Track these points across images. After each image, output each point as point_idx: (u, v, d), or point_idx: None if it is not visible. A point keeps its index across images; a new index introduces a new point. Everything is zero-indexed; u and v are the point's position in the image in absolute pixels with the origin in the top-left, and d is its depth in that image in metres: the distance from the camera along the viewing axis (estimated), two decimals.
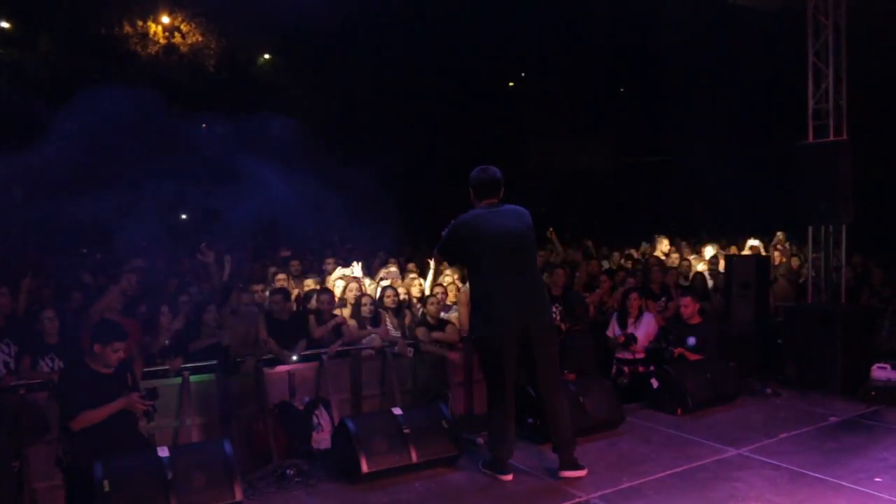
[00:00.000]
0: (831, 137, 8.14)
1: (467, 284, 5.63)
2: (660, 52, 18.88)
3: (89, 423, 4.84)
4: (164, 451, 4.56)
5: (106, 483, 4.20)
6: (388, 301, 8.04)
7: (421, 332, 7.73)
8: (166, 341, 6.80)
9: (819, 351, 7.49)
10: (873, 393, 6.89)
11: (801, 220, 8.33)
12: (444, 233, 5.24)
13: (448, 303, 8.35)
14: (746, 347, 8.47)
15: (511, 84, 22.48)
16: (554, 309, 8.38)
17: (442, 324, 7.89)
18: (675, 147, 20.34)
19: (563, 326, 7.77)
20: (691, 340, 7.41)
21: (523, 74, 22.27)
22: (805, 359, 7.60)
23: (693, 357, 7.32)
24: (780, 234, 12.17)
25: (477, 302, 5.12)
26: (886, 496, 4.66)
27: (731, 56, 16.77)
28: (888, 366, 7.01)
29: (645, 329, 7.84)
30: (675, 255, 11.22)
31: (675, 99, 19.48)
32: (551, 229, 9.37)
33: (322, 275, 9.78)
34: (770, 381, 7.72)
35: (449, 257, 5.61)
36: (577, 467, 5.09)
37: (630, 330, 7.80)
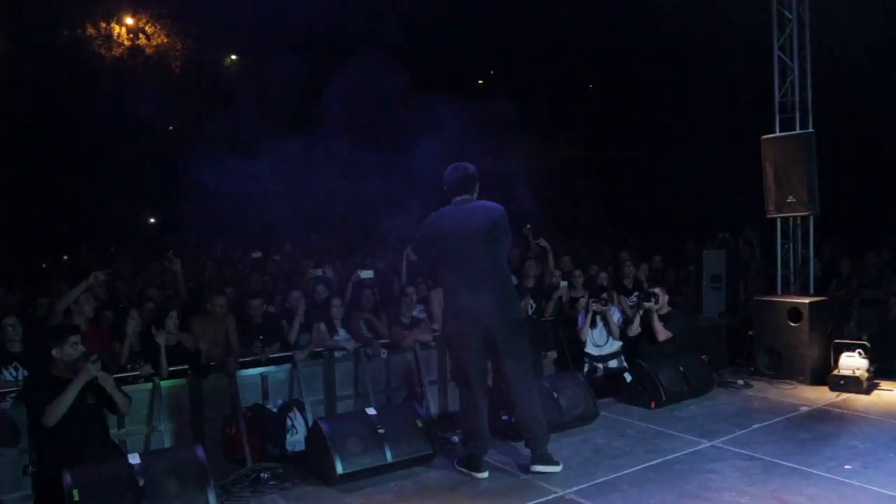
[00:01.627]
0: (797, 130, 8.23)
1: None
2: (628, 49, 19.01)
3: (59, 411, 4.76)
4: (134, 458, 4.48)
5: (76, 492, 4.12)
6: (363, 300, 8.00)
7: (395, 331, 7.70)
8: (135, 346, 6.70)
9: (789, 342, 7.58)
10: (842, 382, 6.98)
11: (769, 212, 8.41)
12: (417, 232, 5.28)
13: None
14: (718, 340, 8.57)
15: (480, 82, 22.51)
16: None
17: (416, 322, 7.87)
18: (644, 142, 20.49)
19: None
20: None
21: (492, 72, 22.31)
22: (776, 350, 7.69)
23: (664, 335, 7.39)
24: (748, 228, 12.30)
25: (445, 300, 5.18)
26: (857, 483, 4.72)
27: (699, 50, 16.89)
28: (856, 354, 7.11)
29: (616, 322, 7.90)
30: None
31: (644, 94, 19.63)
32: (528, 226, 9.38)
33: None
34: (742, 372, 7.82)
35: (421, 255, 5.58)
36: (551, 462, 5.09)
37: (599, 328, 7.84)
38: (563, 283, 8.88)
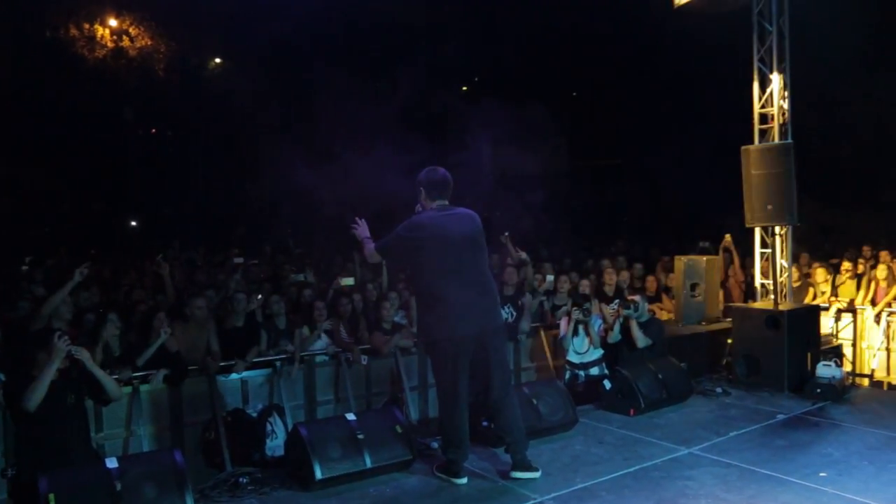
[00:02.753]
0: (776, 140, 8.33)
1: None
2: (611, 57, 19.14)
3: (39, 393, 4.74)
4: (112, 463, 4.46)
5: (52, 497, 4.09)
6: (340, 308, 8.01)
7: (375, 337, 7.71)
8: (115, 351, 6.68)
9: (767, 350, 7.63)
10: (818, 390, 7.05)
11: (748, 222, 8.50)
12: (394, 234, 5.12)
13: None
14: (697, 348, 8.63)
15: (465, 88, 22.57)
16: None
17: (395, 328, 7.88)
18: (626, 150, 20.63)
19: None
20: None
21: (476, 79, 22.36)
22: (753, 358, 7.75)
23: (643, 342, 7.48)
24: (727, 237, 12.40)
25: (432, 305, 5.03)
26: (831, 490, 4.77)
27: (681, 60, 17.05)
28: (832, 363, 7.19)
29: (596, 333, 7.95)
30: None
31: (625, 102, 19.76)
32: (507, 234, 9.40)
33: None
34: (720, 380, 7.88)
35: (394, 257, 5.45)
36: (530, 468, 5.12)
37: (580, 336, 7.88)
38: (550, 278, 8.94)
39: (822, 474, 5.06)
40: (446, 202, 5.19)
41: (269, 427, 6.61)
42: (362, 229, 5.44)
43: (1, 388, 5.44)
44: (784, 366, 7.48)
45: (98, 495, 4.25)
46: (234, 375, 6.95)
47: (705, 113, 16.80)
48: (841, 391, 7.06)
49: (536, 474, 5.10)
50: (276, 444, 6.53)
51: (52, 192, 19.78)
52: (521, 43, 19.14)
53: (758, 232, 8.71)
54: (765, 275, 8.81)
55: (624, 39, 17.83)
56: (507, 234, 9.41)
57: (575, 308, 7.84)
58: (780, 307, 7.87)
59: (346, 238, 5.79)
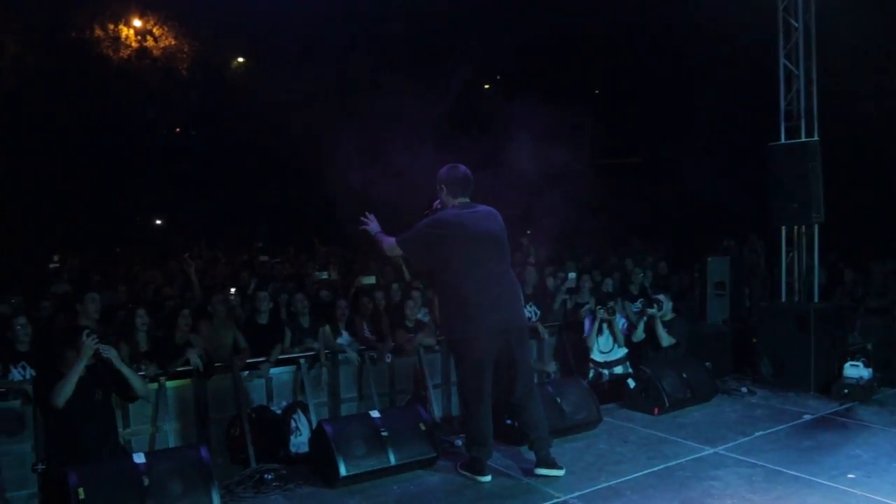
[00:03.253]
0: (803, 138, 8.23)
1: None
2: (633, 54, 19.01)
3: (67, 389, 4.79)
4: (139, 458, 4.51)
5: (81, 490, 4.14)
6: (364, 307, 8.04)
7: (399, 335, 7.73)
8: (143, 347, 6.74)
9: (793, 350, 7.57)
10: (846, 391, 6.97)
11: (774, 220, 8.41)
12: (418, 229, 5.11)
13: None
14: (721, 347, 8.57)
15: (487, 87, 22.54)
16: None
17: (419, 326, 7.89)
18: (648, 148, 20.48)
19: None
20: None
21: (498, 77, 22.32)
22: (779, 358, 7.68)
23: (668, 342, 7.43)
24: (753, 235, 12.30)
25: (456, 303, 5.00)
26: (860, 492, 4.71)
27: (704, 57, 16.90)
28: (860, 363, 7.10)
29: (621, 329, 7.92)
30: None
31: (649, 100, 19.62)
32: (528, 232, 9.41)
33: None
34: (745, 380, 7.82)
35: (416, 252, 5.29)
36: (555, 466, 5.11)
37: (605, 335, 7.86)
38: (572, 275, 8.93)
39: (850, 476, 5.00)
40: (468, 199, 5.18)
41: (293, 424, 6.64)
42: (374, 224, 5.39)
43: (31, 384, 5.51)
44: (811, 365, 7.41)
45: (126, 490, 4.29)
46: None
47: (729, 111, 16.65)
48: (869, 392, 6.97)
49: (560, 472, 5.09)
50: (300, 440, 6.56)
51: (78, 192, 20.00)
52: (543, 40, 19.08)
53: (783, 230, 8.62)
54: (790, 274, 8.72)
55: (646, 35, 17.69)
56: (528, 232, 9.40)
57: (599, 307, 7.82)
58: (808, 306, 7.79)
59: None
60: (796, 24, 8.25)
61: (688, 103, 18.21)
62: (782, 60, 8.43)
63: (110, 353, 5.05)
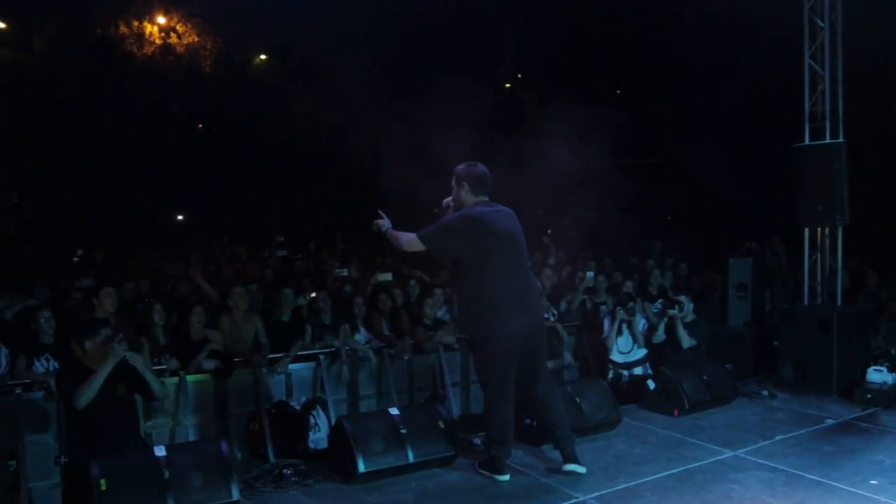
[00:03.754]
0: (827, 140, 8.15)
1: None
2: (655, 54, 18.90)
3: (90, 392, 4.83)
4: (160, 451, 4.55)
5: (103, 482, 4.18)
6: (382, 304, 8.06)
7: (418, 332, 7.74)
8: (161, 340, 6.79)
9: (815, 353, 7.49)
10: (869, 396, 6.89)
11: (797, 222, 8.34)
12: (445, 224, 5.05)
13: None
14: (743, 349, 8.51)
15: (508, 85, 22.51)
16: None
17: (438, 324, 7.90)
18: (669, 149, 20.36)
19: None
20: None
21: (520, 76, 22.29)
22: (801, 361, 7.61)
23: (688, 343, 7.39)
24: (776, 237, 12.20)
25: (483, 301, 4.94)
26: (883, 499, 4.66)
27: (726, 57, 16.77)
28: (884, 368, 7.02)
29: (641, 330, 7.89)
30: None
31: (670, 100, 19.50)
32: (549, 231, 9.40)
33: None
34: (766, 383, 7.74)
35: (440, 247, 5.18)
36: (580, 463, 5.11)
37: (624, 336, 7.83)
38: (590, 274, 8.90)
39: (872, 482, 4.94)
40: (487, 198, 5.15)
41: (312, 420, 6.67)
42: (385, 221, 5.29)
43: (54, 376, 5.58)
44: (833, 369, 7.34)
45: (147, 482, 4.32)
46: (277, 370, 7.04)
47: (752, 111, 16.53)
48: (892, 397, 6.89)
49: (584, 469, 5.09)
50: (318, 436, 6.59)
51: (101, 187, 20.20)
52: (564, 39, 19.03)
53: (807, 232, 8.54)
54: (813, 277, 8.63)
55: (669, 35, 17.58)
56: (549, 231, 9.40)
57: (619, 307, 7.79)
58: (831, 309, 7.72)
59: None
60: (822, 24, 8.17)
61: (710, 103, 18.09)
62: (807, 61, 8.35)
63: (136, 360, 5.10)
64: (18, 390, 5.98)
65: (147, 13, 20.15)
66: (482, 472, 5.16)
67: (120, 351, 4.95)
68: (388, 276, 8.89)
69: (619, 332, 7.83)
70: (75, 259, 14.45)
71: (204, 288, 8.24)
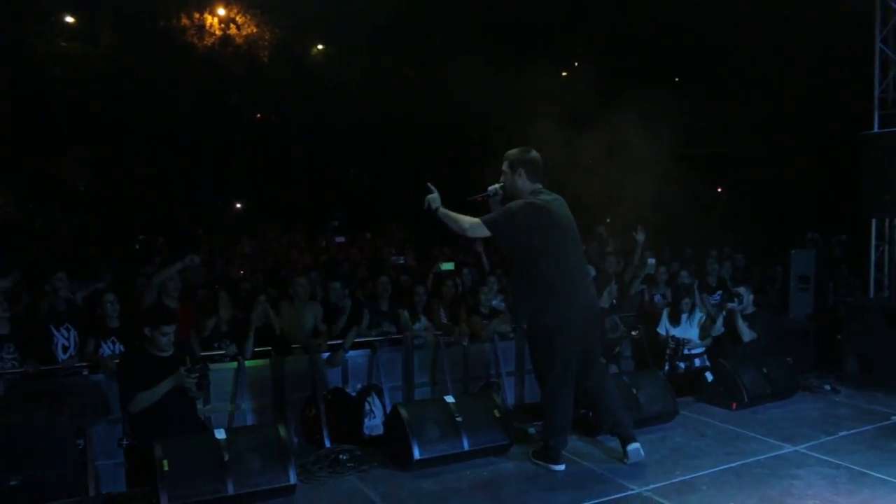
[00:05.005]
0: None
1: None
2: (718, 42, 18.51)
3: (144, 403, 5.00)
4: (220, 434, 4.62)
5: (165, 462, 4.28)
6: (445, 293, 8.10)
7: (474, 321, 7.75)
8: (223, 327, 6.93)
9: (881, 348, 7.29)
10: None
11: (864, 212, 8.10)
12: (510, 211, 4.93)
13: None
14: (804, 342, 8.31)
15: (564, 74, 22.33)
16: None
17: (493, 312, 7.90)
18: (731, 138, 19.95)
19: None
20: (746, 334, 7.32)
21: (576, 64, 22.06)
22: (866, 355, 7.40)
23: (748, 336, 7.28)
24: (840, 228, 11.88)
25: (546, 290, 4.89)
26: None
27: (792, 43, 16.34)
28: None
29: (699, 325, 7.75)
30: None
31: (731, 89, 19.08)
32: (608, 220, 9.32)
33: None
34: (829, 377, 7.54)
35: (505, 235, 5.06)
36: (639, 442, 5.10)
37: (683, 327, 7.72)
38: (651, 261, 8.79)
39: None
40: (541, 185, 5.09)
41: (367, 406, 6.74)
42: (436, 196, 5.07)
43: (118, 359, 5.75)
44: None
45: (207, 463, 4.40)
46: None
47: (817, 98, 16.09)
48: None
49: (643, 452, 5.09)
50: (373, 423, 6.66)
51: (163, 175, 20.69)
52: (624, 27, 18.77)
53: (874, 223, 8.29)
54: (880, 269, 8.38)
55: (732, 22, 17.19)
56: (608, 220, 9.31)
57: (677, 298, 7.69)
58: None
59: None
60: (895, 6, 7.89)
61: (774, 91, 17.66)
62: (878, 45, 8.09)
63: (192, 391, 5.23)
64: (86, 372, 6.19)
65: (207, 5, 20.49)
66: (537, 461, 5.14)
67: (186, 382, 5.10)
68: (451, 266, 8.90)
69: (678, 324, 7.72)
70: (136, 246, 14.82)
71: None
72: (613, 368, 7.72)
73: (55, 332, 6.39)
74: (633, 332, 8.20)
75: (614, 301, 8.45)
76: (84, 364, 6.26)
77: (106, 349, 6.36)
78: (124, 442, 5.31)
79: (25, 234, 16.99)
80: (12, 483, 4.61)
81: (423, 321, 7.69)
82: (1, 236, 15.82)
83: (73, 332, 6.48)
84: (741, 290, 7.61)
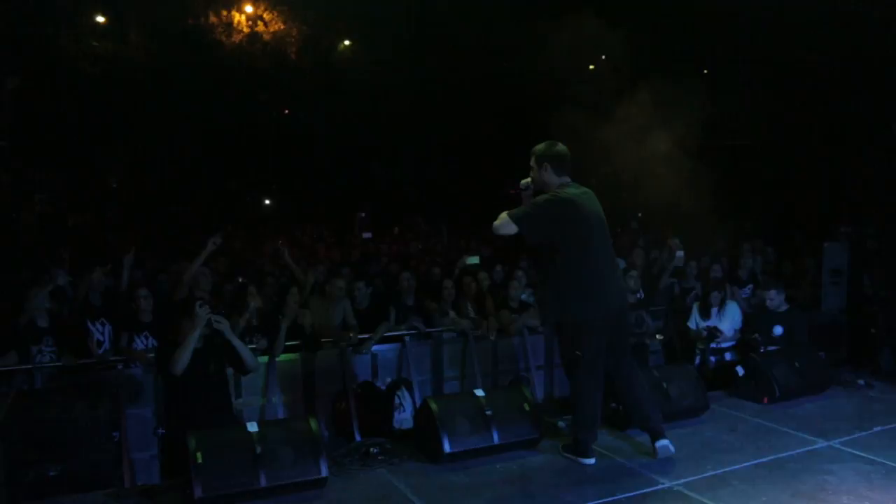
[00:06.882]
0: None
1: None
2: (748, 31, 18.29)
3: (184, 356, 5.02)
4: (253, 427, 4.67)
5: (199, 454, 4.34)
6: (467, 287, 8.10)
7: (503, 315, 7.76)
8: (253, 321, 6.99)
9: None
10: None
11: None
12: (537, 204, 4.92)
13: None
14: (837, 337, 8.21)
15: (591, 67, 22.22)
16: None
17: (522, 307, 7.90)
18: (760, 129, 19.73)
19: None
20: (778, 330, 7.22)
21: (604, 57, 21.95)
22: None
23: (780, 332, 7.18)
24: (873, 220, 11.69)
25: (577, 285, 4.88)
26: None
27: (821, 30, 16.08)
28: None
29: (731, 319, 7.69)
30: None
31: (766, 79, 18.85)
32: (639, 214, 9.27)
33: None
34: (862, 372, 7.44)
35: (534, 229, 4.96)
36: (669, 439, 5.07)
37: (713, 321, 7.66)
38: (680, 254, 8.70)
39: None
40: (569, 178, 5.06)
41: (397, 400, 6.78)
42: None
43: (154, 353, 5.84)
44: None
45: (240, 456, 4.46)
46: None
47: (849, 88, 15.82)
48: None
49: (673, 448, 5.06)
50: (403, 416, 6.70)
51: (194, 171, 20.91)
52: (650, 18, 18.60)
53: None
54: None
55: (765, 9, 16.97)
56: (639, 214, 9.26)
57: (709, 292, 7.64)
58: None
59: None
60: None
61: (807, 80, 17.39)
62: None
63: (221, 324, 5.24)
64: (120, 366, 6.29)
65: (235, 2, 20.63)
66: (567, 455, 5.14)
67: (203, 314, 5.10)
68: (476, 259, 8.89)
69: (708, 318, 7.67)
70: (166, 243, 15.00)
71: (294, 270, 8.41)
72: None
73: (91, 326, 6.51)
74: (658, 337, 8.17)
75: (641, 295, 8.40)
76: (119, 358, 6.36)
77: (139, 343, 6.46)
78: (160, 431, 5.39)
79: (59, 233, 17.25)
80: (51, 473, 4.71)
81: (452, 315, 7.70)
82: (39, 236, 16.07)
83: (107, 327, 6.59)
84: (772, 293, 7.49)
